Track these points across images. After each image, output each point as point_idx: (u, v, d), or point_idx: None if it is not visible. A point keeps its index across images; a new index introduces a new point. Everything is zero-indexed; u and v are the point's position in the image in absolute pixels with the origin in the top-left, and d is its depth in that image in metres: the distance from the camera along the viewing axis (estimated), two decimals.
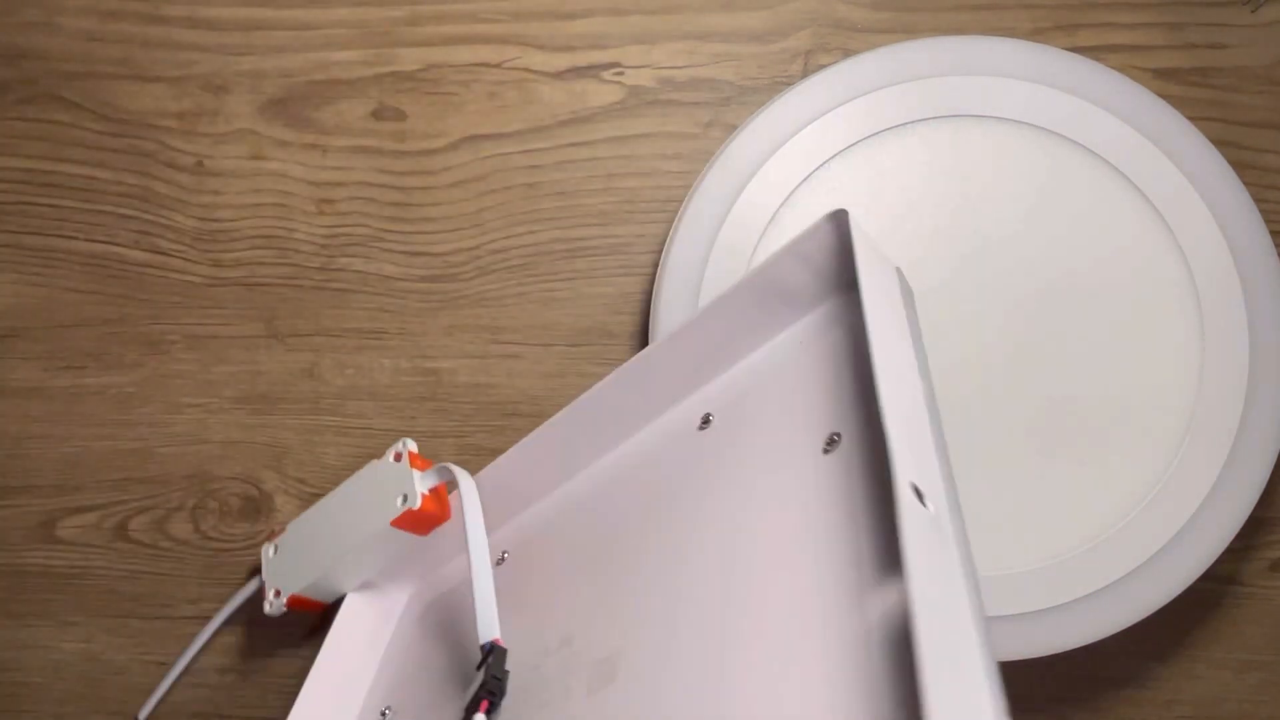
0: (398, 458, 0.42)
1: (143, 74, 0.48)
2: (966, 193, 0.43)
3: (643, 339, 0.45)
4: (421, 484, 0.42)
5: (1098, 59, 0.45)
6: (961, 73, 0.43)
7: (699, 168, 0.45)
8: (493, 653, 0.37)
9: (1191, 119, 0.44)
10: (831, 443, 0.32)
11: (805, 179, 0.43)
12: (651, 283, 0.44)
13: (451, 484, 0.42)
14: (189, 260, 0.48)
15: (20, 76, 0.48)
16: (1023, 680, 0.45)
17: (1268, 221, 0.43)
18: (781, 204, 0.43)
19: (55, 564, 0.48)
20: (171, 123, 0.48)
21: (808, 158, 0.43)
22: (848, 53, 0.47)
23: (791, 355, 0.37)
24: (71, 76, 0.48)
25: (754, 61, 0.47)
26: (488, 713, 0.36)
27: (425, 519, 0.42)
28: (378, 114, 0.48)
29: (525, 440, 0.41)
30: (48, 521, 0.48)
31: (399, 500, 0.42)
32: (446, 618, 0.43)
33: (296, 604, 0.44)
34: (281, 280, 0.48)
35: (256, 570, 0.47)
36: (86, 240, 0.48)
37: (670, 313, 0.43)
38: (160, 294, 0.48)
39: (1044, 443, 0.42)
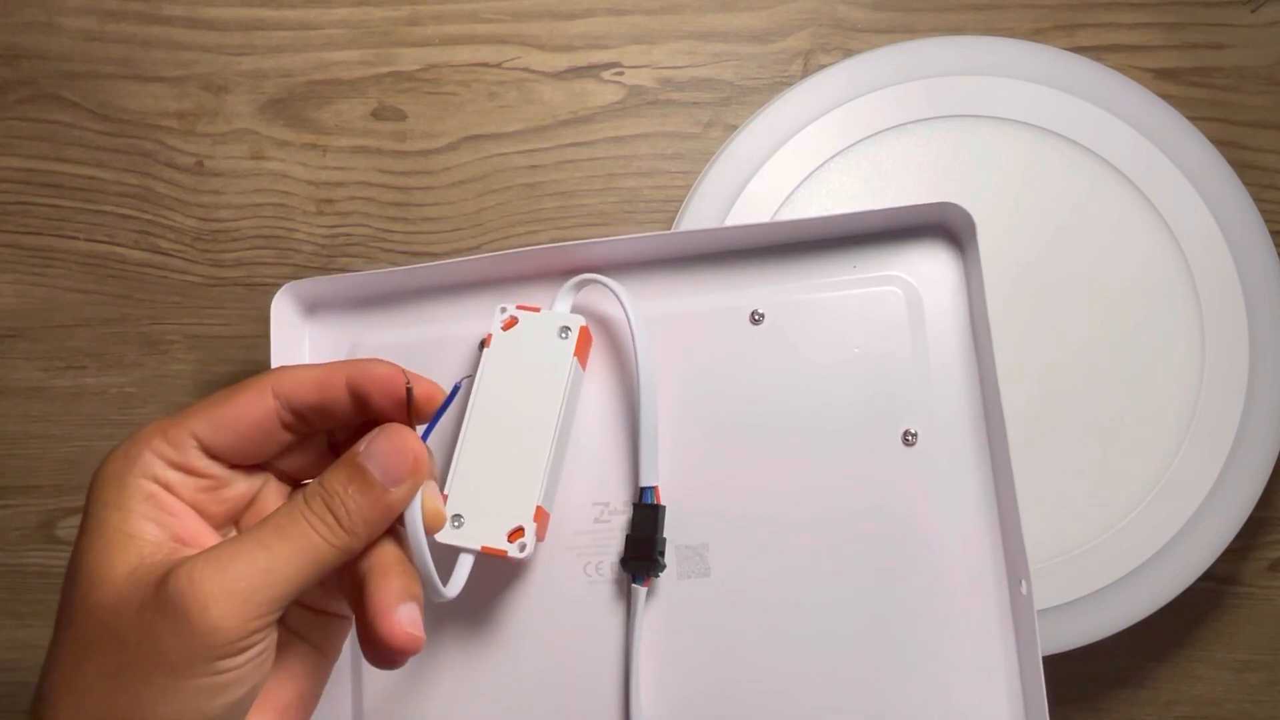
0: (509, 324, 0.37)
1: (143, 74, 0.48)
2: (966, 192, 0.43)
3: None
4: (563, 305, 0.38)
5: (1098, 59, 0.45)
6: (961, 73, 0.43)
7: (699, 168, 0.45)
8: (655, 510, 0.36)
9: (1191, 119, 0.44)
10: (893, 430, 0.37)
11: (805, 179, 0.43)
12: None
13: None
14: (189, 260, 0.48)
15: (20, 76, 0.48)
16: None
17: (1268, 221, 0.43)
18: (782, 204, 0.43)
19: (55, 564, 0.48)
20: (171, 123, 0.48)
21: (808, 158, 0.43)
22: (848, 53, 0.47)
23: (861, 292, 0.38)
24: (71, 76, 0.48)
25: (754, 61, 0.47)
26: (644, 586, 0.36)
27: (586, 343, 0.38)
28: (378, 114, 0.48)
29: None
30: (48, 521, 0.48)
31: (560, 334, 0.36)
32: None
33: (542, 526, 0.36)
34: (281, 280, 0.48)
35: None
36: (86, 240, 0.48)
37: None
38: (160, 294, 0.48)
39: (1044, 443, 0.42)
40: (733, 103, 0.47)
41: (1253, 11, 0.47)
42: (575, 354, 0.36)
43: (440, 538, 0.35)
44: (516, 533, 0.35)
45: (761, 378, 0.37)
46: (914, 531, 0.36)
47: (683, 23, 0.47)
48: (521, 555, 0.34)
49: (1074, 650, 0.41)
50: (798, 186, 0.43)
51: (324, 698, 0.37)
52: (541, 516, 0.35)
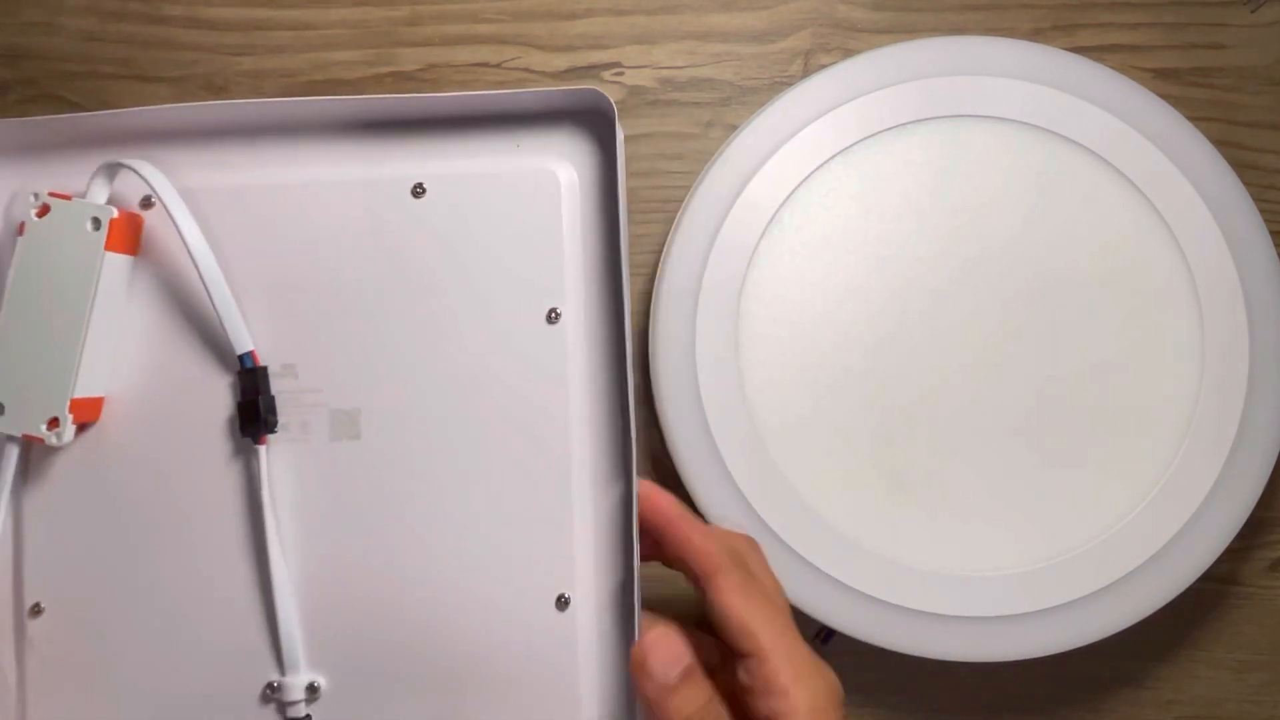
0: (42, 211, 0.37)
1: (143, 74, 0.48)
2: (966, 193, 0.43)
3: (643, 339, 0.45)
4: (98, 193, 0.38)
5: (1098, 59, 0.45)
6: (961, 73, 0.43)
7: (699, 168, 0.45)
8: (255, 373, 0.38)
9: (1191, 119, 0.44)
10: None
11: (805, 179, 0.43)
12: (652, 282, 0.44)
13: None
14: None
15: (20, 76, 0.48)
16: (1023, 680, 0.45)
17: (1268, 221, 0.43)
18: (782, 204, 0.43)
19: None
20: None
21: (808, 158, 0.43)
22: (848, 53, 0.47)
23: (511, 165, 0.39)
24: (71, 76, 0.48)
25: (754, 61, 0.47)
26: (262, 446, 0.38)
27: (131, 228, 0.38)
28: None
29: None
30: None
31: (91, 225, 0.37)
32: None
33: (82, 415, 0.38)
34: None
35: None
36: None
37: (670, 312, 0.43)
38: None
39: (1044, 443, 0.42)
40: (733, 103, 0.47)
41: (1253, 11, 0.47)
42: (113, 246, 0.37)
43: None
44: (54, 422, 0.37)
45: (418, 250, 0.39)
46: (551, 407, 0.38)
47: (683, 23, 0.47)
48: (60, 443, 0.37)
49: (1074, 650, 0.41)
50: (798, 186, 0.43)
51: None
52: (83, 405, 0.37)
